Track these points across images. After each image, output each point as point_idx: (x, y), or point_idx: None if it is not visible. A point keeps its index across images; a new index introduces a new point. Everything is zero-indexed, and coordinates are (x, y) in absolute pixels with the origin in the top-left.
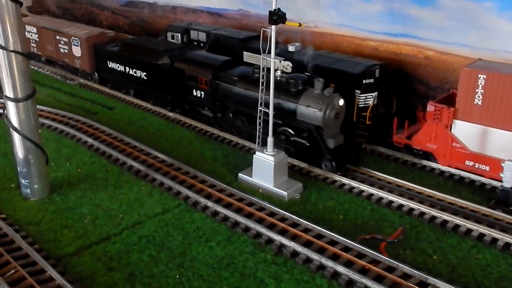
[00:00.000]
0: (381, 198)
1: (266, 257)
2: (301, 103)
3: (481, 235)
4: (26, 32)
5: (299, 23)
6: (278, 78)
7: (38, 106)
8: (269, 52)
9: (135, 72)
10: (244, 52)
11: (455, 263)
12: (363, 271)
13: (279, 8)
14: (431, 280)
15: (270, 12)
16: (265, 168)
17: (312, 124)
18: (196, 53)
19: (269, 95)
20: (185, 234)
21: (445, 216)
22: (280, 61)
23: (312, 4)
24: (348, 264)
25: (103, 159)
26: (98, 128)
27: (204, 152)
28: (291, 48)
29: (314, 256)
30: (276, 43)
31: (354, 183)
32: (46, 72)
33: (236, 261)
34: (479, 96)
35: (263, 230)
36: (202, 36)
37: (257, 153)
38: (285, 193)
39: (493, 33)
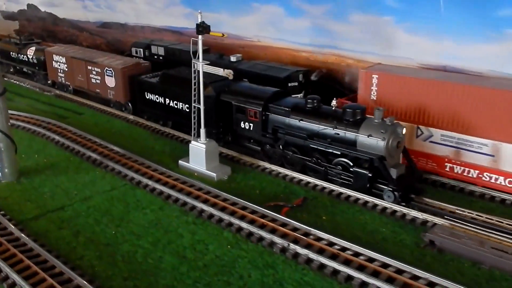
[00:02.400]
0: (293, 178)
1: (188, 219)
2: (362, 133)
3: (366, 202)
4: (53, 62)
5: (222, 34)
6: (334, 108)
7: (16, 112)
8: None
9: (176, 104)
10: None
11: (340, 222)
12: (262, 226)
13: (203, 21)
14: (314, 231)
15: (196, 24)
16: (198, 154)
17: (374, 154)
18: (242, 84)
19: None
20: (126, 204)
21: (341, 189)
22: (223, 69)
23: (254, 21)
24: (251, 222)
25: (67, 153)
26: (65, 128)
27: (154, 146)
28: (233, 59)
29: (225, 217)
30: (222, 54)
31: (274, 167)
32: (27, 86)
33: (163, 222)
34: (374, 93)
35: (188, 199)
36: (161, 50)
37: (192, 142)
38: (214, 174)
39: (393, 42)
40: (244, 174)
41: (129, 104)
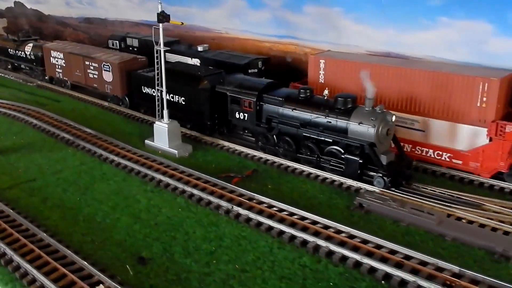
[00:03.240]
0: (247, 154)
1: (146, 188)
2: (353, 121)
3: (310, 174)
4: (51, 58)
5: (182, 22)
6: (326, 98)
7: None
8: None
9: (173, 97)
10: (166, 54)
11: (284, 190)
12: (211, 193)
13: (163, 11)
14: (257, 197)
15: (157, 13)
16: (162, 134)
17: (365, 141)
18: (237, 76)
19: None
20: (93, 177)
21: (289, 163)
22: (191, 58)
23: (222, 14)
24: (203, 189)
25: (43, 134)
26: (44, 114)
27: (126, 129)
28: (200, 48)
29: (180, 185)
30: (191, 45)
31: (231, 145)
32: (11, 78)
33: (124, 190)
34: (321, 76)
35: (149, 172)
36: (135, 42)
37: (156, 123)
38: (176, 151)
39: (343, 31)
40: (204, 151)
41: (126, 98)
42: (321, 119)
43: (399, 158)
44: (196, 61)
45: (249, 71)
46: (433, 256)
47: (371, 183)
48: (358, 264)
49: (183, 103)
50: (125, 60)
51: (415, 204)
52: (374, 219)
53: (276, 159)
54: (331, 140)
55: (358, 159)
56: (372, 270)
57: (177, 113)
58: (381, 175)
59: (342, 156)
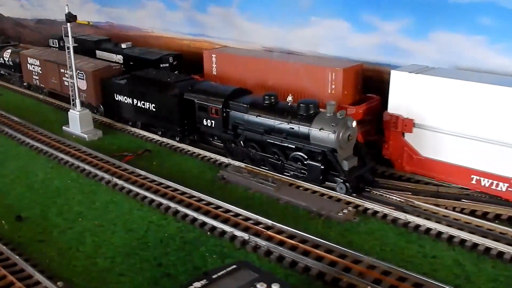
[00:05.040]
0: (147, 137)
1: (48, 165)
2: (314, 127)
3: (193, 153)
4: (28, 65)
5: (88, 22)
6: (289, 104)
7: None
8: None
9: (143, 104)
10: (96, 51)
11: (166, 166)
12: (100, 168)
13: (69, 12)
14: (138, 171)
15: (65, 14)
16: (75, 120)
17: (326, 146)
18: (205, 83)
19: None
20: (6, 156)
21: (178, 144)
22: (115, 55)
23: (146, 15)
24: (95, 165)
25: None
26: None
27: (52, 118)
28: (123, 46)
29: (75, 161)
30: (117, 43)
31: (137, 130)
32: None
33: (28, 167)
34: (214, 69)
35: (55, 152)
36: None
37: (70, 111)
38: (86, 135)
39: (242, 29)
40: (113, 136)
41: (101, 106)
42: (284, 125)
43: (362, 164)
44: (120, 58)
45: (161, 65)
46: (261, 215)
47: (334, 189)
48: (195, 220)
49: (154, 110)
50: (99, 68)
51: (263, 175)
52: (230, 188)
53: (167, 140)
54: (294, 147)
55: (320, 165)
56: (204, 224)
57: (148, 119)
58: (342, 181)
59: (305, 162)
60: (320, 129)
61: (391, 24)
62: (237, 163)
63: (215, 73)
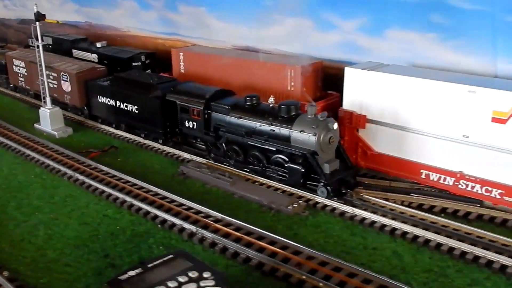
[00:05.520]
0: (116, 134)
1: (15, 161)
2: (295, 129)
3: (158, 149)
4: (14, 66)
5: (57, 21)
6: (271, 106)
7: None
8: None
9: (126, 106)
10: (73, 50)
11: (130, 162)
12: (64, 164)
13: (38, 11)
14: (101, 167)
15: (34, 13)
16: (46, 118)
17: (306, 149)
18: (188, 85)
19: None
20: None
21: (144, 141)
22: (91, 54)
23: (122, 14)
24: (59, 161)
25: None
26: None
27: (26, 116)
28: (98, 45)
29: (41, 158)
30: (92, 42)
31: (106, 128)
32: None
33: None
34: (182, 67)
35: (23, 148)
36: (50, 40)
37: (41, 108)
38: (56, 133)
39: (212, 28)
40: (84, 133)
41: (85, 109)
42: (265, 127)
43: (344, 167)
44: (94, 56)
45: (133, 64)
46: (214, 209)
47: (315, 192)
48: (148, 213)
49: (136, 112)
50: (83, 70)
51: (221, 170)
52: (189, 183)
53: (134, 137)
54: (275, 149)
55: (300, 168)
56: (155, 217)
57: (131, 122)
58: (323, 184)
59: (285, 165)
60: (300, 131)
61: (350, 23)
62: (199, 159)
63: (183, 71)
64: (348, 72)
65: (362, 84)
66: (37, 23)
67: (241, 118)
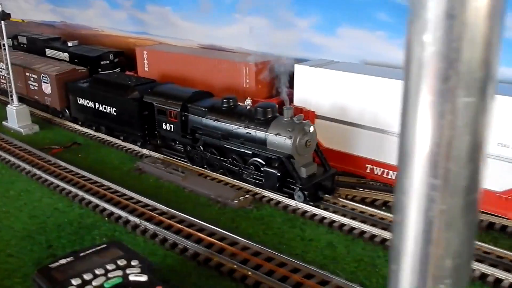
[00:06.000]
0: (81, 131)
1: None
2: (270, 132)
3: (119, 145)
4: None
5: (22, 20)
6: (248, 108)
7: None
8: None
9: (105, 108)
10: (46, 49)
11: (90, 158)
12: (24, 159)
13: (3, 10)
14: (60, 162)
15: None
16: (12, 115)
17: (282, 152)
18: (166, 86)
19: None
20: None
21: (106, 137)
22: (62, 53)
23: (94, 14)
24: (20, 157)
25: None
26: None
27: None
28: (70, 44)
29: (3, 154)
30: (65, 41)
31: (72, 125)
32: None
33: None
34: (146, 65)
35: None
36: (24, 40)
37: (8, 106)
38: (22, 130)
39: (178, 27)
40: (50, 130)
41: (66, 111)
42: (241, 130)
43: (322, 171)
44: (66, 55)
45: (102, 63)
46: (162, 203)
47: (292, 196)
48: (97, 206)
49: (115, 114)
50: (63, 72)
51: (175, 165)
52: (144, 178)
53: (97, 134)
54: (251, 152)
55: (276, 172)
56: (104, 210)
57: (110, 124)
58: (299, 188)
59: (261, 168)
60: (276, 135)
61: (304, 21)
62: (157, 154)
63: (147, 69)
64: (298, 69)
65: (310, 80)
66: (2, 22)
67: (217, 120)
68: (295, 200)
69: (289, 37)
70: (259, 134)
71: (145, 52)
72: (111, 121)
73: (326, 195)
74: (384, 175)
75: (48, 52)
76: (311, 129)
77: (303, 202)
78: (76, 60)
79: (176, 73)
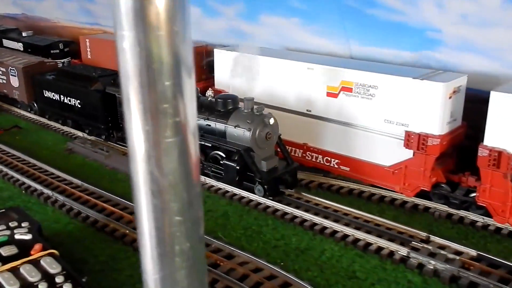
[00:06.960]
0: (26, 117)
1: None
2: (230, 124)
3: (59, 129)
4: None
5: None
6: (209, 99)
7: None
8: None
9: (70, 101)
10: (3, 40)
11: (27, 140)
12: None
13: None
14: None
15: None
16: None
17: (241, 145)
18: None
19: None
20: None
21: (48, 122)
22: (17, 43)
23: (50, 6)
24: None
25: None
26: None
27: None
28: (24, 34)
29: None
30: (21, 32)
31: (17, 110)
32: None
33: None
34: (89, 53)
35: None
36: None
37: None
38: None
39: None
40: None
41: (35, 104)
42: (202, 122)
43: (285, 165)
44: (20, 45)
45: (52, 51)
46: (79, 178)
47: (252, 190)
48: (17, 180)
49: (79, 106)
50: (31, 64)
51: (103, 145)
52: (72, 157)
53: (42, 119)
54: (210, 145)
55: (235, 165)
56: (22, 184)
57: (74, 117)
58: (259, 182)
59: (221, 162)
60: (235, 127)
61: (230, 9)
62: (88, 136)
63: (89, 57)
64: (217, 53)
65: (227, 64)
66: None
67: None
68: (255, 194)
69: (220, 25)
70: (219, 126)
71: (87, 40)
72: (76, 114)
73: (287, 189)
74: (292, 153)
75: (5, 42)
76: (271, 121)
77: (263, 197)
78: (29, 50)
79: (113, 61)
